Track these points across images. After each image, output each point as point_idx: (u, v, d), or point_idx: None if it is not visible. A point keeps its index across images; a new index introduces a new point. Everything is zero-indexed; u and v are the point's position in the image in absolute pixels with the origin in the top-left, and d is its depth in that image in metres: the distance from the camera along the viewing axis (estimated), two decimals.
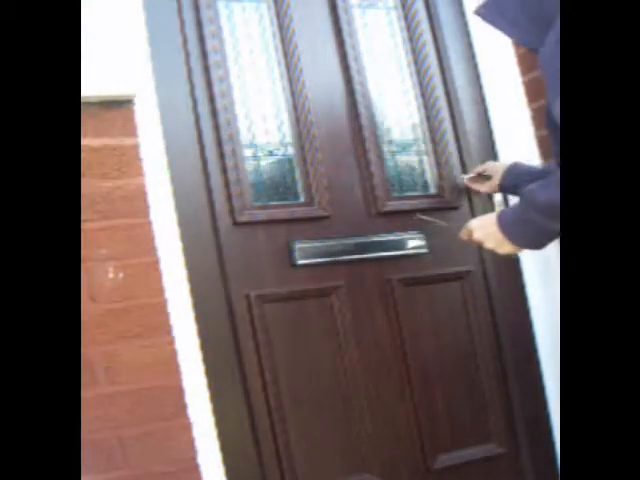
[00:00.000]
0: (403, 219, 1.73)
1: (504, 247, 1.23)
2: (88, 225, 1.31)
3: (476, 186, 1.75)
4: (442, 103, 1.85)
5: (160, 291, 1.36)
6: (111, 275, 1.32)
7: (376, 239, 1.71)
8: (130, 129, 1.37)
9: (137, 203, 1.36)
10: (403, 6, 1.85)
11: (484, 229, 1.26)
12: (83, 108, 1.28)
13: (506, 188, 1.66)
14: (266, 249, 1.58)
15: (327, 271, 1.63)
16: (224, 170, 1.56)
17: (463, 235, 1.36)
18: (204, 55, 1.59)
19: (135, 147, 1.37)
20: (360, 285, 1.66)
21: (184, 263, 1.42)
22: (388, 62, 1.84)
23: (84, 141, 1.31)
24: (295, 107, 1.68)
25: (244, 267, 1.54)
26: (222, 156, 1.56)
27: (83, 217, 1.29)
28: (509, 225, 1.20)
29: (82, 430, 1.17)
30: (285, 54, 1.69)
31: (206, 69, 1.58)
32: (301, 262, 1.60)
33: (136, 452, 1.31)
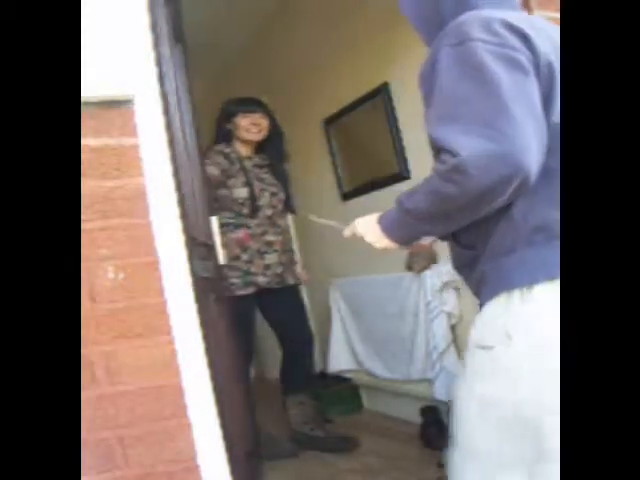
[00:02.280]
0: None
1: (382, 242, 1.31)
2: (88, 225, 1.31)
3: None
4: None
5: (160, 291, 1.36)
6: (111, 275, 1.32)
7: None
8: (130, 129, 1.37)
9: (137, 203, 1.36)
10: None
11: (367, 225, 1.34)
12: (83, 108, 1.29)
13: None
14: None
15: None
16: None
17: (347, 231, 1.43)
18: None
19: (135, 147, 1.37)
20: None
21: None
22: None
23: (84, 141, 1.31)
24: None
25: None
26: None
27: (83, 217, 1.29)
28: (387, 223, 1.28)
29: (82, 430, 1.18)
30: None
31: None
32: None
33: (136, 452, 1.31)
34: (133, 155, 1.37)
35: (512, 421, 1.17)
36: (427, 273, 2.71)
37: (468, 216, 1.18)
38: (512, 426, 1.17)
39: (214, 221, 1.65)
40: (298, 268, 3.20)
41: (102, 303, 1.31)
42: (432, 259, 1.79)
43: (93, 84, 1.32)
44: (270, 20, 4.04)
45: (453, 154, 1.08)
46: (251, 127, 2.98)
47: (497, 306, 1.20)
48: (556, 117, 1.16)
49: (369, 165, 3.47)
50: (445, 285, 2.81)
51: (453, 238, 1.31)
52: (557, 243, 1.13)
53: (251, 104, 3.03)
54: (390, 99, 3.21)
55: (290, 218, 3.27)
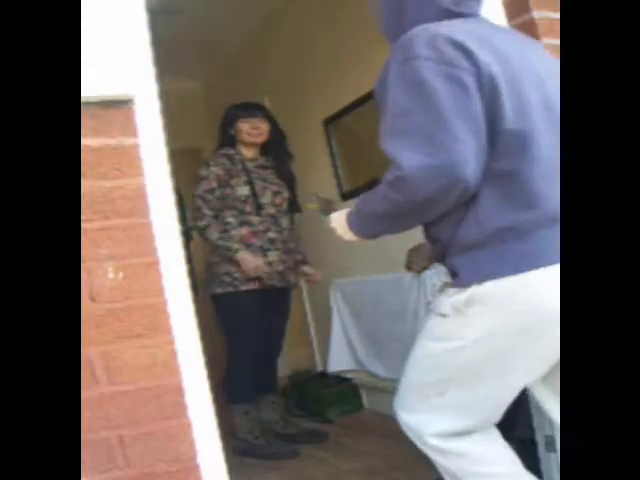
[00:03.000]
0: None
1: (347, 235, 1.46)
2: (88, 225, 1.31)
3: None
4: None
5: (160, 291, 1.36)
6: (111, 275, 1.32)
7: None
8: (130, 129, 1.37)
9: (137, 203, 1.36)
10: None
11: (339, 219, 1.48)
12: (83, 108, 1.29)
13: None
14: None
15: None
16: None
17: (326, 223, 1.58)
18: None
19: (135, 147, 1.37)
20: None
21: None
22: None
23: (84, 141, 1.31)
24: None
25: None
26: None
27: (83, 217, 1.29)
28: (352, 220, 1.43)
29: (82, 430, 1.18)
30: None
31: None
32: None
33: (136, 452, 1.31)
34: (133, 155, 1.37)
35: (448, 374, 1.39)
36: (427, 273, 2.70)
37: (419, 218, 1.34)
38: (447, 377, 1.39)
39: None
40: (308, 269, 3.24)
41: (102, 303, 1.31)
42: (431, 259, 1.81)
43: (93, 84, 1.32)
44: (270, 20, 4.04)
45: (397, 167, 1.21)
46: (252, 131, 3.08)
47: (503, 290, 1.28)
48: (507, 123, 1.24)
49: (369, 165, 3.46)
50: (445, 285, 2.81)
51: (425, 235, 1.44)
52: (523, 240, 1.24)
53: (251, 109, 3.13)
54: None
55: (299, 218, 3.29)
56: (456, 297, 1.33)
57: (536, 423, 1.86)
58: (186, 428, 1.35)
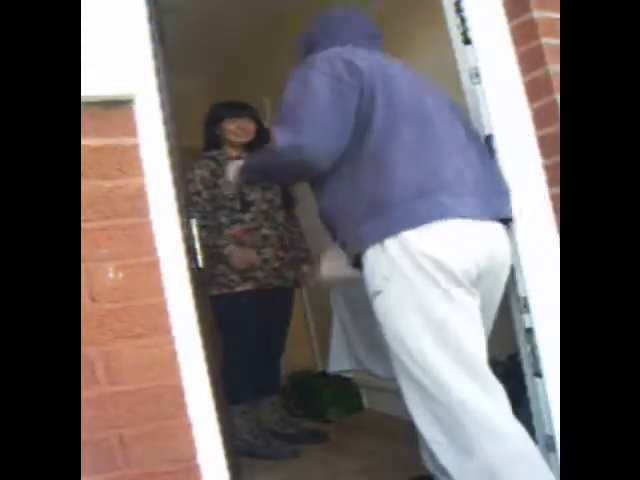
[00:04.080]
0: None
1: (232, 176, 2.12)
2: (88, 225, 1.31)
3: None
4: None
5: (160, 291, 1.36)
6: (111, 275, 1.32)
7: None
8: (130, 129, 1.37)
9: (137, 203, 1.36)
10: None
11: (235, 165, 2.13)
12: (83, 108, 1.29)
13: None
14: None
15: None
16: None
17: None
18: None
19: (135, 147, 1.37)
20: None
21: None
22: None
23: (84, 141, 1.31)
24: None
25: None
26: None
27: (83, 217, 1.29)
28: (242, 167, 2.03)
29: (82, 430, 1.18)
30: None
31: None
32: None
33: (136, 452, 1.31)
34: (133, 155, 1.37)
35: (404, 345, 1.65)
36: None
37: (285, 178, 2.06)
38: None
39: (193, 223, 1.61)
40: (306, 268, 3.19)
41: (102, 303, 1.31)
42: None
43: (93, 84, 1.32)
44: (270, 20, 4.04)
45: (274, 142, 1.70)
46: (239, 131, 3.08)
47: (372, 258, 1.63)
48: (377, 124, 1.64)
49: None
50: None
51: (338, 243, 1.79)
52: (405, 206, 1.58)
53: (236, 109, 3.13)
54: None
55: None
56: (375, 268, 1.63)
57: (536, 423, 1.86)
58: (186, 428, 1.35)
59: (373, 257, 1.63)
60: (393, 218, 1.59)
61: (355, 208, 1.65)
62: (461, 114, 1.84)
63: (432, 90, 1.81)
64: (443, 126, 1.70)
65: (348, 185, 1.67)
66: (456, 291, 1.61)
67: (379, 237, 1.60)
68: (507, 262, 1.76)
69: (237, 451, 2.81)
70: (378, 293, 1.66)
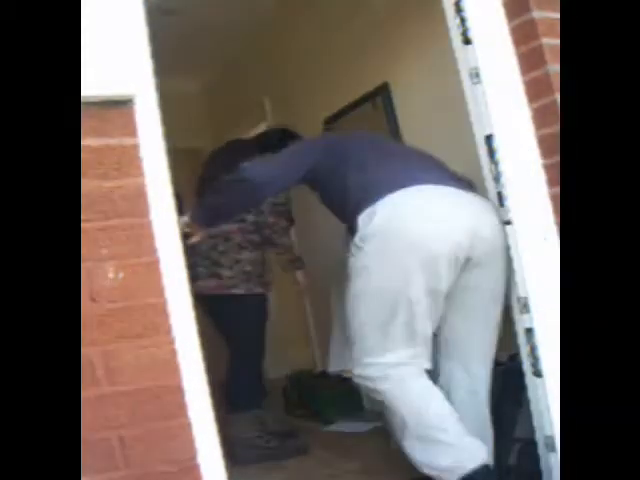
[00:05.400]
0: None
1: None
2: (88, 225, 1.31)
3: None
4: None
5: (160, 291, 1.36)
6: (111, 275, 1.32)
7: None
8: (130, 129, 1.37)
9: (137, 203, 1.36)
10: None
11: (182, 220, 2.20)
12: (83, 108, 1.28)
13: None
14: None
15: None
16: None
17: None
18: None
19: (135, 147, 1.37)
20: None
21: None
22: None
23: (84, 141, 1.31)
24: None
25: None
26: None
27: (83, 217, 1.29)
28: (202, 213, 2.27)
29: (82, 430, 1.18)
30: None
31: None
32: None
33: (136, 452, 1.31)
34: (133, 155, 1.37)
35: (373, 303, 1.90)
36: None
37: (234, 206, 2.25)
38: (374, 306, 1.91)
39: None
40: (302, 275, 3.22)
41: (102, 303, 1.31)
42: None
43: (93, 84, 1.32)
44: (270, 20, 4.04)
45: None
46: None
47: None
48: (352, 173, 2.00)
49: None
50: None
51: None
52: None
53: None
54: (390, 99, 3.21)
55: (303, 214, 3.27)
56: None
57: (536, 423, 1.86)
58: (186, 428, 1.35)
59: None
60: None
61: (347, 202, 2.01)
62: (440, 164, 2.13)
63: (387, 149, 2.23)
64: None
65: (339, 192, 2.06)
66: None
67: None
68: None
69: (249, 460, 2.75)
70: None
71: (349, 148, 2.12)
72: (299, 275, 3.21)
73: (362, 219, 1.91)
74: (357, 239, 1.90)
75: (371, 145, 2.17)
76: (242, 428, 2.84)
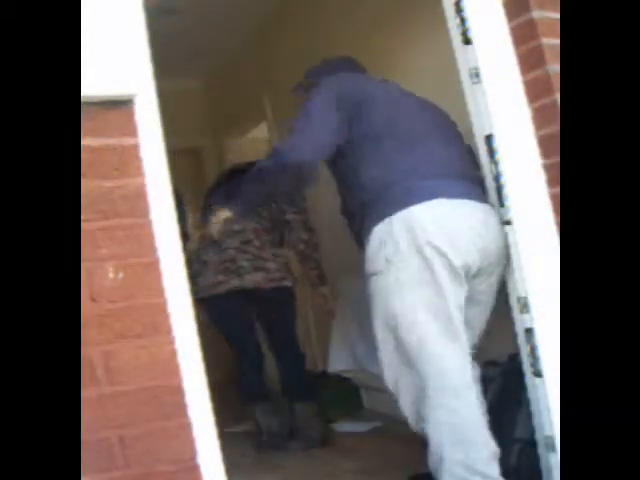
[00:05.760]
0: None
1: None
2: (88, 225, 1.31)
3: None
4: None
5: (160, 291, 1.36)
6: (111, 275, 1.32)
7: None
8: (130, 129, 1.37)
9: (137, 203, 1.36)
10: None
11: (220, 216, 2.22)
12: (83, 108, 1.28)
13: None
14: None
15: None
16: None
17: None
18: None
19: (135, 147, 1.37)
20: None
21: None
22: None
23: (84, 141, 1.31)
24: None
25: None
26: None
27: (83, 217, 1.29)
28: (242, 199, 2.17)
29: (82, 430, 1.18)
30: None
31: None
32: None
33: (136, 452, 1.31)
34: (133, 155, 1.37)
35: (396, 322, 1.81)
36: None
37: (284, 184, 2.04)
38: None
39: None
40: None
41: (102, 303, 1.31)
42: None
43: (93, 84, 1.32)
44: (270, 20, 4.04)
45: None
46: None
47: (374, 241, 1.81)
48: (364, 128, 1.89)
49: None
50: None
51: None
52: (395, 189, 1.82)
53: None
54: None
55: None
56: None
57: (536, 423, 1.86)
58: (186, 428, 1.35)
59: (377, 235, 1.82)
60: (395, 196, 1.82)
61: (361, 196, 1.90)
62: (446, 118, 2.06)
63: (415, 103, 2.06)
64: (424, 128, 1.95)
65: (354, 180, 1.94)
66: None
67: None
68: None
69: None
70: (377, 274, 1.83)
71: (398, 111, 1.96)
72: (325, 291, 3.23)
73: (380, 229, 1.81)
74: (387, 255, 1.79)
75: (419, 116, 1.99)
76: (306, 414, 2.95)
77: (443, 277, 1.76)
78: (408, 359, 1.82)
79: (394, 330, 1.82)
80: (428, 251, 1.75)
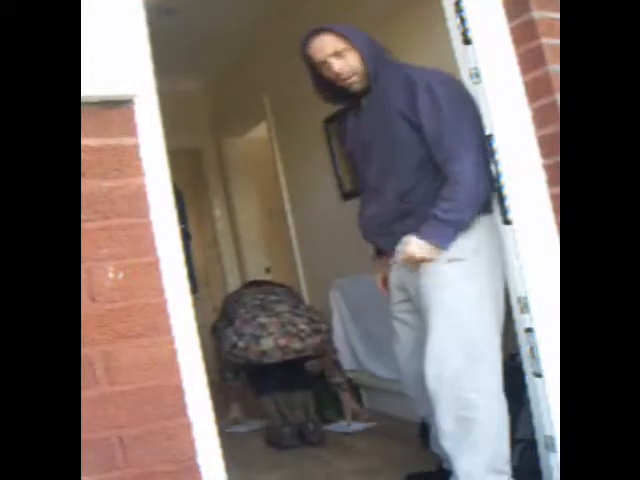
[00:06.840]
0: None
1: (431, 253, 1.89)
2: (88, 225, 1.31)
3: None
4: None
5: (160, 291, 1.36)
6: (111, 275, 1.32)
7: None
8: (130, 129, 1.37)
9: (137, 203, 1.36)
10: None
11: (415, 244, 1.88)
12: (83, 108, 1.28)
13: None
14: None
15: None
16: None
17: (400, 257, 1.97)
18: None
19: (135, 147, 1.37)
20: None
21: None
22: None
23: (84, 141, 1.31)
24: None
25: None
26: None
27: (83, 217, 1.29)
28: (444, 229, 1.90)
29: (82, 430, 1.18)
30: None
31: None
32: None
33: (136, 452, 1.31)
34: (133, 155, 1.37)
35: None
36: None
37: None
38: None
39: None
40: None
41: (102, 303, 1.31)
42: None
43: (93, 84, 1.32)
44: (270, 20, 4.04)
45: None
46: None
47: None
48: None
49: None
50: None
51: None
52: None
53: None
54: None
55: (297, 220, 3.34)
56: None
57: (536, 423, 1.86)
58: (186, 428, 1.35)
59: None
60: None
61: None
62: None
63: None
64: None
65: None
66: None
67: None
68: None
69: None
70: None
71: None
72: (349, 400, 3.27)
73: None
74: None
75: None
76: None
77: None
78: None
79: None
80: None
